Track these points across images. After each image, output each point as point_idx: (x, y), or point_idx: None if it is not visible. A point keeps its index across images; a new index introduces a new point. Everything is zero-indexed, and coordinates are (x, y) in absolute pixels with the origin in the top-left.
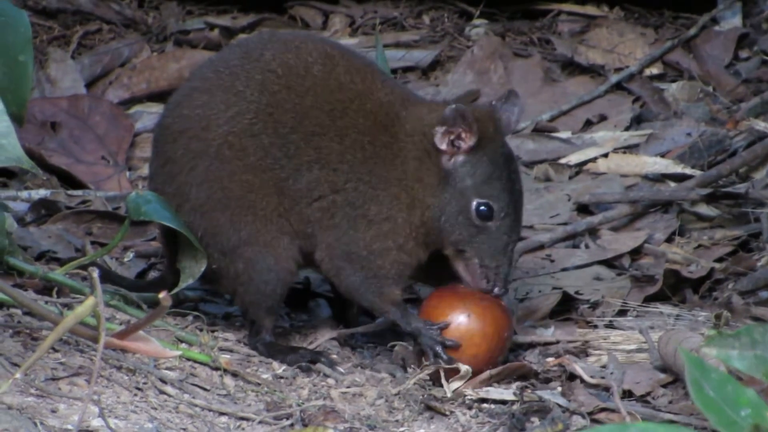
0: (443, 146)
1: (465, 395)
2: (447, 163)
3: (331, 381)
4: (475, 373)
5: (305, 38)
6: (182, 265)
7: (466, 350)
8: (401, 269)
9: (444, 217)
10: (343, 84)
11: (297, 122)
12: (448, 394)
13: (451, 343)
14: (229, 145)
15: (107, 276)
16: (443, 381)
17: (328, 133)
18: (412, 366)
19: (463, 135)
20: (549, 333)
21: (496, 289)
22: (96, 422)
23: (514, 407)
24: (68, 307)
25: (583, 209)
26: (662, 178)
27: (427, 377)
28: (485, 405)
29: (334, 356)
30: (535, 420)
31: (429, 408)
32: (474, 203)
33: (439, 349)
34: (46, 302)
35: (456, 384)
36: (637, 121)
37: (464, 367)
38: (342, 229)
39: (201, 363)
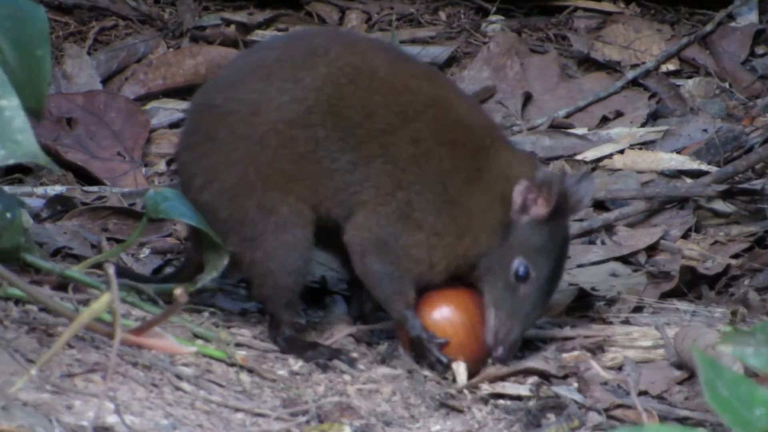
0: (518, 200)
1: (481, 391)
2: (514, 215)
3: (347, 377)
4: (470, 364)
5: (369, 43)
6: (206, 258)
7: (453, 343)
8: (422, 281)
9: (485, 260)
10: (411, 88)
11: (363, 118)
12: (459, 385)
13: (447, 360)
14: (276, 132)
15: (125, 274)
16: (458, 374)
17: (397, 133)
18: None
19: (540, 201)
20: (564, 333)
21: (499, 351)
22: (111, 419)
23: (530, 403)
24: (84, 303)
25: (599, 205)
26: (678, 174)
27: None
28: (501, 401)
29: (352, 353)
30: (551, 416)
31: (445, 404)
32: (516, 261)
33: (434, 361)
34: (62, 298)
35: (462, 378)
36: (653, 118)
37: (460, 367)
38: (388, 219)
39: (217, 359)
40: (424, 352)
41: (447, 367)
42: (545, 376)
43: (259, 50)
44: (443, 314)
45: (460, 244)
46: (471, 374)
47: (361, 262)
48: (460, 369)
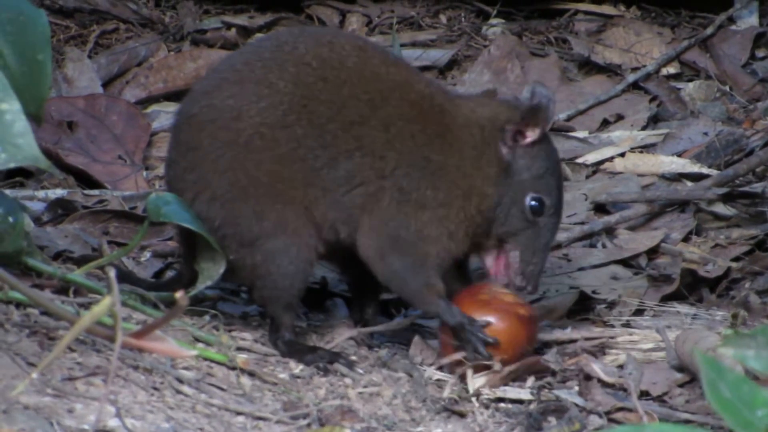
0: (508, 138)
1: (482, 394)
2: (507, 154)
3: (348, 380)
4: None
5: (336, 33)
6: (201, 266)
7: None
8: (446, 259)
9: (499, 208)
10: (380, 74)
11: (334, 113)
12: (471, 390)
13: (493, 340)
14: (260, 135)
15: (126, 277)
16: (469, 378)
17: (369, 122)
18: (428, 362)
19: (528, 130)
20: (565, 336)
21: (529, 287)
22: (113, 422)
23: (531, 406)
24: (85, 306)
25: (600, 208)
26: (679, 177)
27: (446, 374)
28: (502, 404)
29: (353, 357)
30: (552, 419)
31: (446, 408)
32: (528, 197)
33: (480, 345)
34: (63, 302)
35: (480, 380)
36: (653, 121)
37: (497, 365)
38: (390, 213)
39: (218, 363)
40: (468, 336)
41: (494, 346)
42: (545, 375)
43: (230, 57)
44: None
45: (469, 203)
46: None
47: (382, 266)
48: (472, 377)
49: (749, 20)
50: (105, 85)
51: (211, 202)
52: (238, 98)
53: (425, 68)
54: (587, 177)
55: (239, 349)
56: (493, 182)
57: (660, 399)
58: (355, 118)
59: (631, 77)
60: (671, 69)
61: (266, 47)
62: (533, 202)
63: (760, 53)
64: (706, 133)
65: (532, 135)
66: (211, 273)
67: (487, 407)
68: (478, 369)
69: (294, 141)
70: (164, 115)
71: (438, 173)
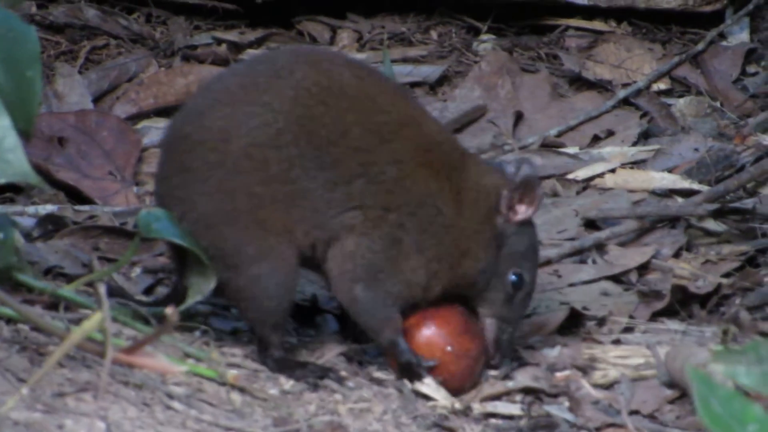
0: (504, 209)
1: (472, 410)
2: (500, 225)
3: (338, 396)
4: (455, 389)
5: (332, 59)
6: (190, 282)
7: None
8: (410, 302)
9: (482, 275)
10: (383, 106)
11: (338, 136)
12: (456, 405)
13: (435, 384)
14: (248, 156)
15: (118, 295)
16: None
17: (377, 152)
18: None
19: (524, 205)
20: (555, 353)
21: (497, 358)
22: None
23: (522, 422)
24: (75, 322)
25: (591, 224)
26: (670, 193)
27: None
28: (493, 420)
29: (343, 372)
30: None
31: (436, 423)
32: (511, 272)
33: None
34: (54, 318)
35: (438, 393)
36: (644, 137)
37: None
38: (380, 244)
39: (208, 378)
40: (413, 377)
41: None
42: (538, 395)
43: (223, 77)
44: (428, 334)
45: (459, 266)
46: (455, 390)
47: (349, 291)
48: (432, 385)
49: (740, 36)
50: (95, 100)
51: (197, 223)
52: (229, 119)
53: (416, 84)
54: (577, 193)
55: (229, 364)
56: (486, 249)
57: (650, 415)
58: (362, 145)
59: (621, 93)
60: (662, 85)
61: (261, 72)
62: (514, 277)
63: (751, 69)
64: (696, 149)
65: (523, 212)
66: (201, 288)
67: (477, 423)
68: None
69: (286, 161)
70: (155, 130)
71: (446, 229)
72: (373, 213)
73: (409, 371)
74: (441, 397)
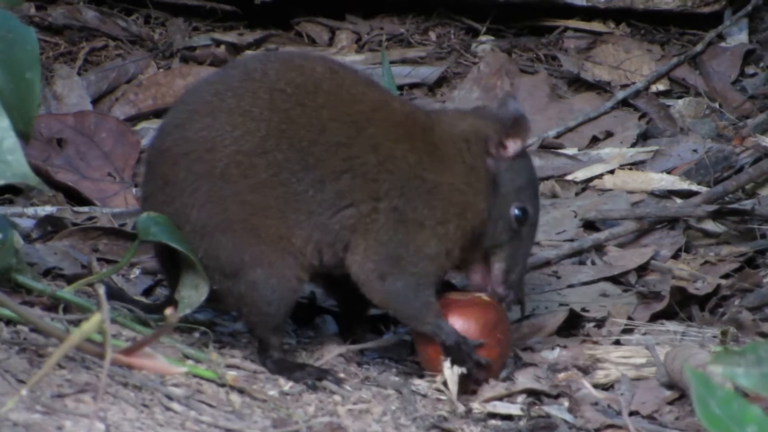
0: (493, 149)
1: (472, 410)
2: (492, 166)
3: (337, 397)
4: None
5: (304, 55)
6: (181, 295)
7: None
8: (441, 276)
9: (489, 222)
10: (356, 95)
11: (316, 135)
12: (460, 409)
13: (485, 362)
14: (236, 164)
15: (118, 296)
16: (453, 395)
17: (356, 143)
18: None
19: (510, 142)
20: (554, 354)
21: (511, 295)
22: None
23: (521, 423)
24: (74, 323)
25: (590, 225)
26: (668, 194)
27: (440, 389)
28: (492, 421)
29: (341, 373)
30: None
31: (435, 425)
32: (513, 207)
33: (471, 365)
34: (53, 319)
35: (453, 387)
36: (643, 138)
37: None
38: (387, 234)
39: (207, 380)
40: (463, 357)
41: (487, 367)
42: (538, 396)
43: (197, 88)
44: (460, 325)
45: (465, 220)
46: (493, 375)
47: (381, 287)
48: (452, 378)
49: (739, 37)
50: (94, 102)
51: (192, 234)
52: (211, 129)
53: (414, 85)
54: (576, 194)
55: (229, 366)
56: (483, 196)
57: (650, 416)
58: (341, 139)
59: (620, 94)
60: (661, 86)
61: (234, 76)
62: (517, 212)
63: (749, 70)
64: (695, 150)
65: (514, 147)
66: (192, 301)
67: (476, 423)
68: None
69: (274, 166)
70: (153, 132)
71: (433, 191)
72: (365, 207)
73: (458, 351)
74: (453, 392)
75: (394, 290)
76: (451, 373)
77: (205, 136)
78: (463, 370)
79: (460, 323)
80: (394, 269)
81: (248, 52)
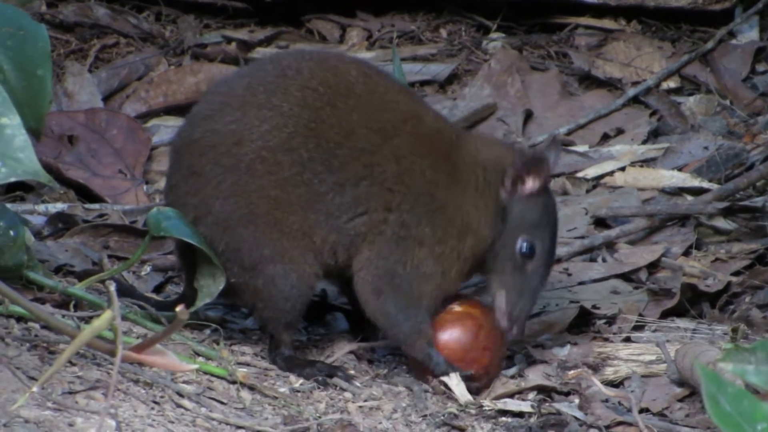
0: (507, 183)
1: (483, 408)
2: (504, 198)
3: (348, 394)
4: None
5: (339, 57)
6: (200, 284)
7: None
8: (438, 298)
9: (491, 250)
10: (389, 104)
11: (343, 138)
12: (462, 400)
13: (475, 387)
14: (261, 159)
15: (129, 293)
16: (459, 397)
17: (380, 152)
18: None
19: (530, 179)
20: (565, 351)
21: (514, 331)
22: None
23: (532, 420)
24: (86, 320)
25: (601, 223)
26: (679, 191)
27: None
28: (503, 418)
29: (351, 370)
30: None
31: (446, 422)
32: (520, 240)
33: (461, 397)
34: (64, 316)
35: (459, 390)
36: (654, 135)
37: (453, 380)
38: (390, 248)
39: (218, 377)
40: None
41: (479, 381)
42: (549, 393)
43: (229, 80)
44: (453, 336)
45: (464, 243)
46: (480, 387)
47: (376, 302)
48: (454, 382)
49: (750, 35)
50: (105, 99)
51: (214, 226)
52: (240, 123)
53: (425, 82)
54: (587, 191)
55: (239, 363)
56: (488, 224)
57: (660, 413)
58: (366, 146)
59: (631, 91)
60: (672, 83)
61: (268, 71)
62: (524, 246)
63: (760, 67)
64: (706, 148)
65: (532, 185)
66: (210, 290)
67: (487, 421)
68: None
69: (299, 165)
70: (164, 129)
71: (439, 211)
72: (377, 216)
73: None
74: (461, 394)
75: (387, 310)
76: (450, 379)
77: (234, 129)
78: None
79: (443, 339)
80: (388, 287)
81: (259, 48)
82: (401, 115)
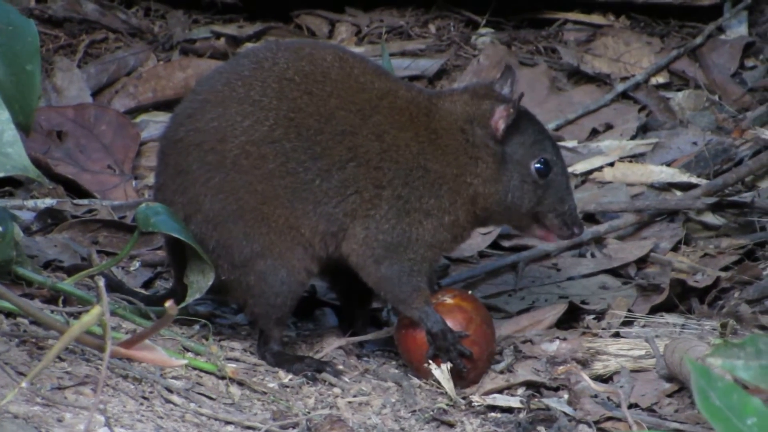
0: (493, 130)
1: (472, 403)
2: (495, 145)
3: (337, 390)
4: (476, 375)
5: (314, 44)
6: (190, 280)
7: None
8: (435, 263)
9: (510, 195)
10: (365, 84)
11: (323, 124)
12: (453, 398)
13: (468, 353)
14: (246, 154)
15: (118, 288)
16: (447, 386)
17: (361, 132)
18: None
19: (504, 113)
20: (554, 346)
21: (575, 230)
22: (102, 431)
23: (521, 416)
24: (74, 316)
25: (590, 218)
26: (668, 187)
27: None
28: (492, 414)
29: (340, 366)
30: (542, 429)
31: (435, 417)
32: (532, 166)
33: (456, 357)
34: (53, 311)
35: (447, 383)
36: (643, 130)
37: (444, 373)
38: (389, 222)
39: (207, 372)
40: (447, 346)
41: (470, 359)
42: (538, 389)
43: (210, 77)
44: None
45: (475, 206)
46: (469, 382)
47: (377, 271)
48: (443, 374)
49: (738, 30)
50: (94, 94)
51: (204, 223)
52: (221, 120)
53: (414, 78)
54: (576, 186)
55: (228, 358)
56: (493, 180)
57: (649, 408)
58: (347, 128)
59: (620, 87)
60: (660, 78)
61: (245, 65)
62: (538, 166)
63: (749, 63)
64: (695, 143)
65: (507, 116)
66: (200, 285)
67: (476, 416)
68: (457, 379)
69: (282, 155)
70: (153, 124)
71: (439, 182)
72: (368, 194)
73: (443, 339)
74: (449, 388)
75: (388, 275)
76: (440, 372)
77: (216, 126)
78: (449, 365)
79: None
80: (391, 255)
81: (248, 44)
82: (377, 93)
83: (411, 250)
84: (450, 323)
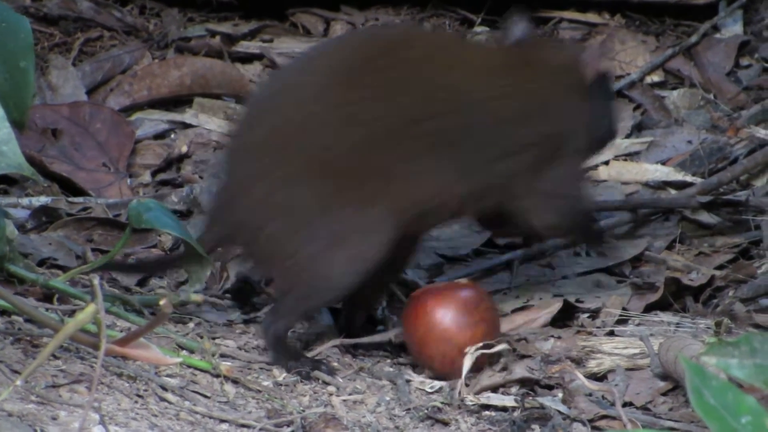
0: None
1: (466, 401)
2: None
3: (331, 388)
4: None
5: (405, 31)
6: (189, 270)
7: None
8: None
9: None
10: (467, 60)
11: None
12: (456, 396)
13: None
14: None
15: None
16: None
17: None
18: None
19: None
20: (548, 345)
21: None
22: (96, 429)
23: (515, 414)
24: (69, 314)
25: None
26: (663, 185)
27: (432, 381)
28: (486, 412)
29: (335, 363)
30: (536, 427)
31: (429, 416)
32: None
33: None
34: (47, 309)
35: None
36: (638, 129)
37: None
38: (556, 172)
39: (202, 370)
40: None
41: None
42: (532, 387)
43: (283, 72)
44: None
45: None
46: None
47: (570, 225)
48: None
49: (734, 28)
50: (89, 92)
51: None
52: (303, 123)
53: None
54: None
55: (223, 356)
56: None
57: (644, 407)
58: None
59: (615, 85)
60: (655, 77)
61: (335, 59)
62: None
63: (744, 61)
64: (690, 141)
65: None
66: (199, 276)
67: (471, 415)
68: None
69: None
70: (148, 122)
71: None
72: (526, 155)
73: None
74: (462, 379)
75: (564, 224)
76: (470, 357)
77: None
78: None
79: (440, 305)
80: (569, 212)
81: (243, 42)
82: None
83: (578, 198)
84: (462, 298)
